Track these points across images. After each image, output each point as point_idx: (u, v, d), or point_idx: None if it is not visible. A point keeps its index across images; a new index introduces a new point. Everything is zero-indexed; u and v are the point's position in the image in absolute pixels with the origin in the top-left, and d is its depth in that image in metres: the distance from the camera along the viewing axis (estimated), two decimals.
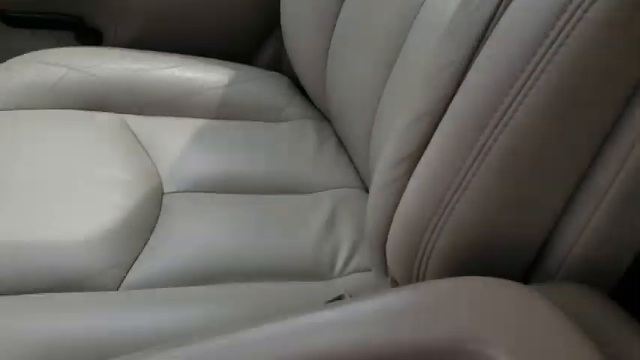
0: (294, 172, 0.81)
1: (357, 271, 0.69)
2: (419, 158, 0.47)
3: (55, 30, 1.02)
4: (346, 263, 0.69)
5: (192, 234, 0.69)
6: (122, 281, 0.61)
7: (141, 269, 0.63)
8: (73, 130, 0.79)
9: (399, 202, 0.49)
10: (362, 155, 0.78)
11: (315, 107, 0.95)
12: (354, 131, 0.81)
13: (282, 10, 0.95)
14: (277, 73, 1.01)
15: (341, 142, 0.89)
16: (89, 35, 1.02)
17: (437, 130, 0.45)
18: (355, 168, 0.84)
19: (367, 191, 0.81)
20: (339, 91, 0.84)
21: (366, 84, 0.75)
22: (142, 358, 0.34)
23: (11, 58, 0.90)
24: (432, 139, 0.45)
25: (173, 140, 0.83)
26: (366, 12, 0.77)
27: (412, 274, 0.48)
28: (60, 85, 0.83)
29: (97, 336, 0.54)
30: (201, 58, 0.96)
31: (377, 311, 0.39)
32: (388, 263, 0.51)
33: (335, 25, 0.84)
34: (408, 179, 0.48)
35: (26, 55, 0.88)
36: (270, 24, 1.02)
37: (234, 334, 0.36)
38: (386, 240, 0.51)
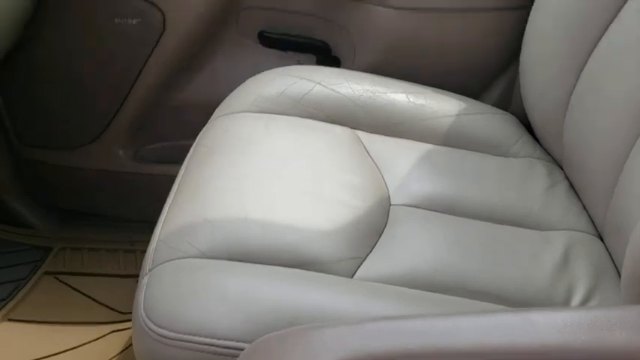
0: (523, 207, 0.79)
1: None
2: None
3: (300, 52, 1.13)
4: (582, 304, 0.65)
5: (419, 244, 0.70)
6: (355, 272, 0.64)
7: (372, 265, 0.66)
8: (315, 136, 0.85)
9: None
10: (600, 203, 0.75)
11: (543, 149, 0.93)
12: (592, 178, 0.77)
13: (523, 49, 0.95)
14: (505, 112, 1.00)
15: (572, 187, 0.85)
16: (329, 61, 1.11)
17: None
18: (588, 215, 0.80)
19: (601, 239, 0.76)
20: (577, 137, 0.81)
21: (614, 133, 0.72)
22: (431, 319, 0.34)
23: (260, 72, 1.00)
24: None
25: (401, 158, 0.85)
26: (618, 61, 0.75)
27: None
28: (307, 97, 0.90)
29: (333, 313, 0.57)
30: (432, 88, 0.98)
31: None
32: None
33: (582, 70, 0.82)
34: None
35: (279, 69, 0.97)
36: (505, 63, 1.02)
37: (522, 312, 0.35)
38: None
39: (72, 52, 1.16)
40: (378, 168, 0.83)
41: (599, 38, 0.78)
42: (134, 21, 1.10)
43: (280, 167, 0.76)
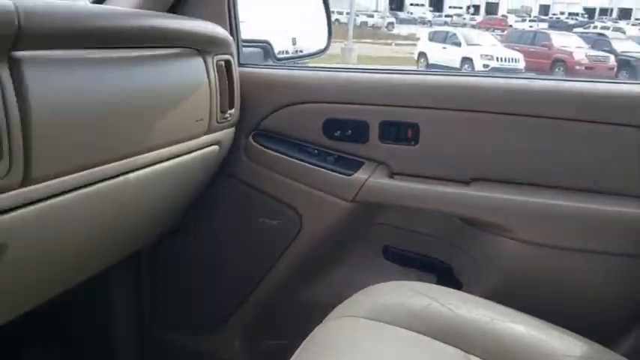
0: None
1: None
2: None
3: (421, 271, 1.15)
4: None
5: None
6: None
7: None
8: (425, 354, 0.84)
9: None
10: None
11: None
12: None
13: None
14: None
15: None
16: (449, 282, 1.12)
17: None
18: None
19: None
20: None
21: None
22: None
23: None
24: None
25: None
26: None
27: None
28: (423, 313, 0.91)
29: None
30: (555, 326, 0.94)
31: None
32: None
33: None
34: None
35: (400, 282, 1.00)
36: (634, 314, 0.97)
37: None
38: None
39: (217, 244, 1.28)
40: None
41: None
42: (275, 222, 1.22)
43: None
